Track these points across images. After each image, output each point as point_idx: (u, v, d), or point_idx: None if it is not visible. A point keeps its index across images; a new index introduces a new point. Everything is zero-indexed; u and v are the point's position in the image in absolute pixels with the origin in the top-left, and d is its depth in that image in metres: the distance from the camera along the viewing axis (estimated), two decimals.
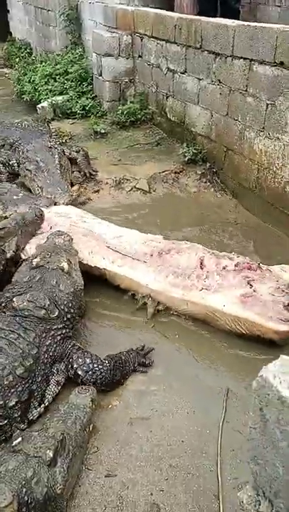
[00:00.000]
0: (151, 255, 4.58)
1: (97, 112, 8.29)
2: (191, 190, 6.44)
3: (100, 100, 8.46)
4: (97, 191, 6.44)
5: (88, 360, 3.44)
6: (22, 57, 12.37)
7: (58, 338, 3.49)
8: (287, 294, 4.07)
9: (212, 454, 3.07)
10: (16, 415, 3.07)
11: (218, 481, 2.89)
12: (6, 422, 2.99)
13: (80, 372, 3.40)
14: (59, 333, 3.51)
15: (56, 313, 3.54)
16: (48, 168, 5.99)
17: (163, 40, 7.09)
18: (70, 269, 3.94)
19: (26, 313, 3.44)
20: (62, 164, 6.16)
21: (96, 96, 8.63)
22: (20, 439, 2.69)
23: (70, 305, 3.67)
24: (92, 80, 8.80)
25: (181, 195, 6.40)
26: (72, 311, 3.68)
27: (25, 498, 2.32)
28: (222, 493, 2.82)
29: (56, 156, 6.20)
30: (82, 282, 4.06)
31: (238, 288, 4.12)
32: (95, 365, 3.43)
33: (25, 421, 3.15)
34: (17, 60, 12.33)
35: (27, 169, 6.11)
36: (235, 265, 4.39)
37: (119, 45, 7.92)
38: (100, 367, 3.43)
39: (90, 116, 8.26)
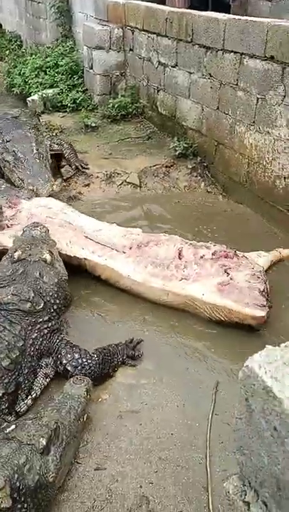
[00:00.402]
0: (130, 248, 4.63)
1: (88, 106, 8.25)
2: (182, 184, 6.44)
3: (91, 94, 8.41)
4: (88, 185, 6.41)
5: (77, 356, 3.43)
6: (12, 49, 12.23)
7: (45, 331, 3.49)
8: (263, 281, 4.21)
9: (201, 447, 3.09)
10: (4, 407, 3.08)
11: (207, 474, 2.91)
12: None
13: (69, 368, 3.39)
14: (45, 326, 3.51)
15: (41, 305, 3.55)
16: (26, 158, 5.86)
17: (154, 33, 7.05)
18: (52, 260, 3.96)
19: (11, 307, 3.43)
20: (41, 153, 6.02)
21: (87, 89, 8.57)
22: (13, 426, 2.71)
23: (56, 296, 3.69)
24: (82, 73, 8.74)
25: (172, 190, 6.40)
26: (57, 301, 3.69)
27: (17, 484, 2.33)
28: (211, 485, 2.84)
29: (34, 144, 6.03)
30: (66, 272, 4.08)
31: (215, 276, 4.24)
32: (84, 360, 3.42)
33: (12, 413, 3.15)
34: (7, 52, 12.19)
35: (5, 160, 5.99)
36: (213, 254, 4.52)
37: (110, 38, 7.88)
38: (89, 361, 3.42)
39: (80, 110, 8.21)
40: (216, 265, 4.37)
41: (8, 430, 2.65)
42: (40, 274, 3.73)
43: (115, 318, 4.21)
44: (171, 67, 6.84)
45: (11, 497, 2.27)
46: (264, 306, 3.98)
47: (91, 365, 3.42)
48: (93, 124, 7.59)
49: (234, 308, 3.96)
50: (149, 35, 7.21)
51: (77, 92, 8.48)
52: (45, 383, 3.44)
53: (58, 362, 3.43)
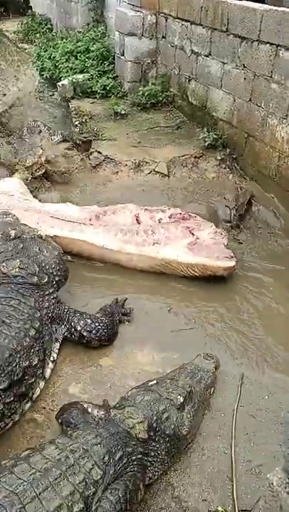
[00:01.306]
0: (90, 219, 4.94)
1: (118, 93, 8.23)
2: (210, 175, 6.42)
3: (121, 80, 8.39)
4: (116, 173, 6.45)
5: (89, 321, 3.70)
6: (42, 32, 12.21)
7: (53, 301, 3.70)
8: (224, 236, 4.84)
9: (226, 437, 3.15)
10: (39, 372, 3.31)
11: (232, 464, 2.98)
12: (33, 379, 3.23)
13: (85, 334, 3.66)
14: (52, 297, 3.72)
15: (46, 278, 3.72)
16: None
17: (188, 21, 6.98)
18: (46, 237, 4.13)
19: (21, 281, 3.60)
20: None
21: (117, 76, 8.55)
22: (155, 381, 3.07)
23: (57, 268, 3.87)
24: (113, 59, 8.71)
25: (200, 180, 6.38)
26: (59, 274, 3.87)
27: (154, 425, 2.74)
28: (236, 476, 2.91)
29: None
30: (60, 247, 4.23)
31: (183, 238, 4.69)
32: (97, 324, 3.69)
33: (43, 379, 3.36)
34: (37, 35, 12.18)
35: None
36: (169, 217, 4.99)
37: (143, 24, 7.82)
38: (101, 324, 3.71)
39: (110, 97, 8.21)
40: (180, 227, 4.82)
41: (150, 384, 3.05)
42: (39, 248, 3.89)
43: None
44: (204, 56, 6.78)
45: (148, 433, 2.69)
46: (232, 257, 4.55)
47: (103, 327, 3.70)
48: (123, 112, 7.58)
49: (208, 263, 4.45)
50: (183, 23, 7.14)
51: (108, 78, 8.47)
52: (58, 347, 3.66)
53: (73, 329, 3.66)
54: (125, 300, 4.20)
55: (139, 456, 2.63)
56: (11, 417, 3.09)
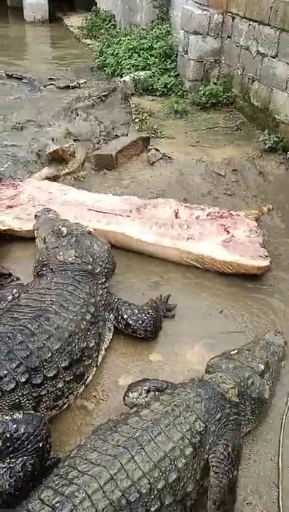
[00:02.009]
0: (131, 211, 5.08)
1: (178, 91, 8.24)
2: (269, 178, 6.32)
3: (183, 79, 8.38)
4: (174, 170, 6.46)
5: (136, 311, 3.81)
6: (106, 29, 12.37)
7: (105, 290, 3.88)
8: (260, 234, 4.86)
9: (274, 443, 3.12)
10: (94, 356, 3.45)
11: (279, 470, 2.95)
12: (90, 361, 3.37)
13: (131, 322, 3.77)
14: (104, 286, 3.90)
15: (99, 268, 3.90)
16: None
17: (256, 21, 6.89)
18: (94, 232, 4.27)
19: (76, 267, 3.79)
20: None
21: (178, 74, 8.55)
22: (236, 351, 3.29)
23: (107, 261, 4.01)
24: (176, 57, 8.72)
25: (258, 183, 6.30)
26: (108, 266, 4.02)
27: (242, 389, 2.97)
28: (282, 483, 2.88)
29: None
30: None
31: (217, 235, 4.80)
32: (143, 315, 3.80)
33: (96, 363, 3.50)
34: (101, 31, 12.35)
35: None
36: (207, 215, 5.06)
37: (209, 23, 7.77)
38: (147, 315, 3.82)
39: (170, 95, 8.23)
40: (216, 224, 4.91)
41: (232, 353, 3.26)
42: (90, 242, 4.05)
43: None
44: (271, 57, 6.67)
45: (238, 397, 2.92)
46: (267, 256, 4.58)
47: (149, 319, 3.81)
48: (182, 110, 7.58)
49: (242, 261, 4.51)
50: (251, 22, 7.05)
51: (169, 76, 8.49)
52: (110, 336, 3.79)
53: (120, 317, 3.80)
54: (169, 296, 4.28)
55: (235, 416, 2.87)
56: (68, 397, 3.22)
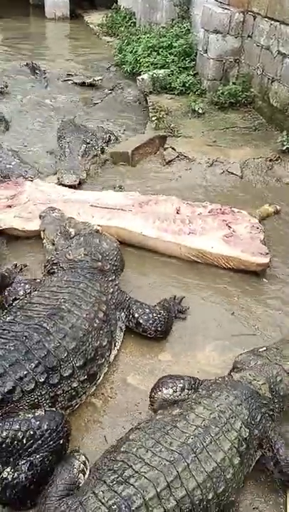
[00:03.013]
0: (133, 205, 5.13)
1: (197, 90, 8.19)
2: (286, 180, 6.25)
3: (201, 78, 8.33)
4: (189, 169, 6.43)
5: (147, 310, 3.79)
6: (126, 26, 12.34)
7: (116, 288, 3.84)
8: (262, 231, 4.85)
9: None
10: (107, 354, 3.43)
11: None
12: (102, 360, 3.36)
13: (141, 321, 3.74)
14: (115, 283, 3.87)
15: (108, 266, 3.88)
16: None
17: (278, 21, 6.80)
18: (101, 230, 4.25)
19: (86, 265, 3.77)
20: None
21: (197, 73, 8.50)
22: (265, 348, 3.29)
23: (115, 259, 3.99)
24: (195, 56, 8.66)
25: (275, 185, 6.24)
26: (117, 264, 3.99)
27: (272, 386, 2.97)
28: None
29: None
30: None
31: (219, 230, 4.79)
32: (154, 314, 3.76)
33: (108, 362, 3.48)
34: (121, 29, 12.33)
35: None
36: (209, 212, 5.09)
37: (230, 22, 7.71)
38: (159, 315, 3.78)
39: (188, 93, 8.18)
40: (217, 220, 4.93)
41: (259, 350, 3.26)
42: (99, 240, 4.03)
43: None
44: None
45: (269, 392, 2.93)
46: (267, 253, 4.55)
47: (161, 318, 3.78)
48: (200, 110, 7.53)
49: (243, 257, 4.51)
50: (272, 22, 6.96)
51: (188, 75, 8.43)
52: (121, 337, 3.75)
53: (131, 316, 3.77)
54: (182, 298, 4.23)
55: (271, 413, 2.91)
56: (81, 397, 3.21)
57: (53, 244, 4.20)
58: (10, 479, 2.60)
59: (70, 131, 6.92)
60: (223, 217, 5.04)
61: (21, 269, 4.44)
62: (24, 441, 2.60)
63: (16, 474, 2.60)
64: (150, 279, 4.54)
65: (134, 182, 6.17)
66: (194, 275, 4.63)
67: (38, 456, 2.63)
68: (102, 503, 2.22)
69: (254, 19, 7.47)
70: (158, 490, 2.26)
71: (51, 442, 2.65)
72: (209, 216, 5.04)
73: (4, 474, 2.60)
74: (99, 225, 4.50)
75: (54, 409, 2.89)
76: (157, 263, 4.75)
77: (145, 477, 2.30)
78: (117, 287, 3.87)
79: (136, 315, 3.77)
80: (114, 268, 3.96)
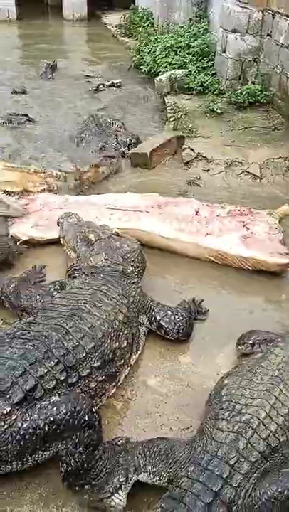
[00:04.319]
0: (152, 207, 5.16)
1: (215, 90, 8.14)
2: None
3: (220, 78, 8.28)
4: (208, 170, 6.42)
5: (169, 313, 3.79)
6: (143, 27, 12.36)
7: (138, 290, 3.84)
8: (280, 231, 4.84)
9: None
10: (127, 356, 3.44)
11: None
12: (121, 362, 3.37)
13: (163, 323, 3.75)
14: (137, 286, 3.89)
15: (130, 268, 3.91)
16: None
17: None
18: (121, 233, 4.26)
19: (108, 269, 3.81)
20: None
21: (215, 73, 8.46)
22: None
23: (137, 260, 4.00)
24: (213, 55, 8.63)
25: None
26: (139, 265, 4.01)
27: None
28: None
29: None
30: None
31: (236, 231, 4.81)
32: (176, 316, 3.78)
33: (128, 365, 3.49)
34: (139, 29, 12.34)
35: None
36: (228, 213, 5.11)
37: (249, 21, 7.66)
38: (181, 318, 3.79)
39: (206, 93, 8.14)
40: (235, 221, 4.95)
41: None
42: (120, 243, 4.06)
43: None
44: None
45: None
46: (287, 254, 4.53)
47: (182, 321, 3.79)
48: (218, 110, 7.50)
49: (261, 258, 4.50)
50: None
51: (206, 74, 8.39)
52: (144, 340, 3.75)
53: (153, 318, 3.78)
54: (202, 300, 4.21)
55: None
56: (101, 397, 3.23)
57: (75, 251, 4.24)
58: (65, 469, 2.71)
59: (91, 132, 7.02)
60: (241, 218, 5.04)
61: (41, 269, 4.48)
62: (47, 428, 2.64)
63: (65, 464, 2.70)
64: (168, 280, 4.54)
65: (153, 183, 6.18)
66: (213, 276, 4.61)
67: (71, 439, 2.68)
68: (229, 432, 2.63)
69: (273, 17, 7.41)
70: (266, 411, 2.70)
71: (76, 422, 2.68)
72: (227, 217, 5.04)
73: (60, 468, 2.72)
74: (118, 228, 4.53)
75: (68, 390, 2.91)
76: (176, 264, 4.74)
77: (252, 405, 2.74)
78: (139, 290, 3.88)
79: (158, 317, 3.77)
80: (137, 270, 3.98)
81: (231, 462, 2.50)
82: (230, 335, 3.87)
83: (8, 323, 3.87)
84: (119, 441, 2.98)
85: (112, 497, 2.61)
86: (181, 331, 3.78)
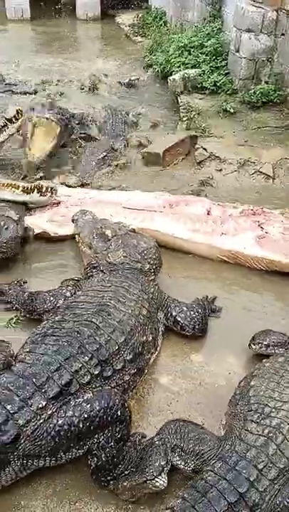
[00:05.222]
0: (164, 206, 5.16)
1: (228, 89, 8.10)
2: None
3: (233, 77, 8.25)
4: (220, 170, 6.42)
5: (185, 308, 3.85)
6: (157, 26, 12.34)
7: (156, 287, 3.91)
8: None
9: None
10: (152, 350, 3.52)
11: None
12: (149, 355, 3.44)
13: (179, 319, 3.80)
14: (154, 283, 3.97)
15: (148, 265, 3.96)
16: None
17: None
18: (138, 230, 4.29)
19: (126, 266, 3.85)
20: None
21: (229, 72, 8.43)
22: None
23: (154, 257, 4.06)
24: (227, 55, 8.60)
25: None
26: (156, 262, 4.07)
27: None
28: None
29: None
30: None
31: (251, 231, 4.77)
32: (192, 312, 3.82)
33: (152, 358, 3.54)
34: (152, 29, 12.33)
35: None
36: (240, 212, 5.08)
37: (263, 21, 7.62)
38: (196, 313, 3.85)
39: (219, 93, 8.12)
40: (249, 221, 4.91)
41: None
42: (137, 241, 4.10)
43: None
44: None
45: None
46: None
47: (198, 316, 3.84)
48: (231, 110, 7.49)
49: (275, 258, 4.48)
50: None
51: (219, 74, 8.36)
52: (162, 336, 3.78)
53: (169, 314, 3.83)
54: (215, 298, 4.27)
55: None
56: (133, 390, 3.30)
57: (90, 247, 4.27)
58: (95, 464, 2.76)
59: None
60: (255, 218, 5.03)
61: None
62: (81, 425, 2.68)
63: (96, 458, 2.75)
64: (182, 278, 4.56)
65: (164, 182, 6.20)
66: (226, 276, 4.63)
67: (104, 435, 2.73)
68: (259, 435, 2.63)
69: (287, 17, 7.37)
70: None
71: (109, 418, 2.72)
72: (241, 217, 5.03)
73: (90, 463, 2.77)
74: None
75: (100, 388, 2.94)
76: (187, 262, 4.77)
77: (282, 409, 2.74)
78: (157, 287, 3.94)
79: (174, 313, 3.82)
80: (154, 267, 4.04)
81: (260, 466, 2.50)
82: (242, 334, 3.88)
83: (22, 323, 3.94)
84: (136, 437, 3.02)
85: (156, 479, 2.67)
86: (197, 327, 3.82)
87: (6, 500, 2.74)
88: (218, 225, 4.90)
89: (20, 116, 6.03)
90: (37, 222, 5.00)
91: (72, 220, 4.72)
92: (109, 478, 2.78)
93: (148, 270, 3.96)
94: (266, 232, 4.81)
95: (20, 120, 6.03)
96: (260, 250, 4.58)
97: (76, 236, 4.57)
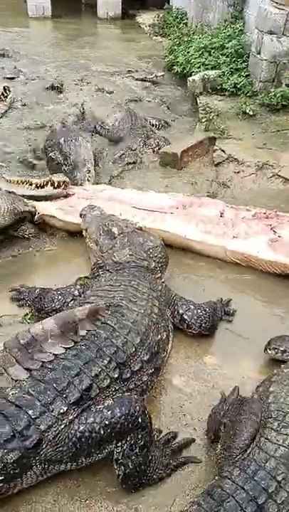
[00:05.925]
0: (177, 208, 5.12)
1: (248, 92, 8.06)
2: None
3: (253, 79, 8.21)
4: (238, 172, 6.38)
5: (192, 306, 3.83)
6: (177, 27, 12.32)
7: (163, 285, 3.91)
8: None
9: None
10: (167, 347, 3.52)
11: None
12: (164, 354, 3.43)
13: (186, 317, 3.78)
14: (161, 281, 3.95)
15: (154, 264, 3.96)
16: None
17: None
18: (144, 228, 4.27)
19: (133, 265, 3.83)
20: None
21: (249, 74, 8.38)
22: None
23: (160, 255, 4.05)
24: (248, 57, 8.55)
25: None
26: (162, 260, 4.05)
27: None
28: None
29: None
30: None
31: (263, 234, 4.73)
32: (199, 311, 3.79)
33: (163, 361, 3.51)
34: (172, 29, 12.31)
35: None
36: (253, 215, 5.04)
37: (285, 23, 7.56)
38: (204, 312, 3.82)
39: (239, 95, 8.08)
40: (261, 224, 4.87)
41: None
42: (143, 239, 4.09)
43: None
44: None
45: None
46: None
47: (205, 315, 3.80)
48: (251, 112, 7.44)
49: (288, 262, 4.41)
50: None
51: (239, 76, 8.32)
52: (173, 334, 3.75)
53: (175, 312, 3.81)
54: (229, 301, 4.24)
55: None
56: (150, 390, 3.29)
57: (97, 244, 4.26)
58: (123, 472, 2.75)
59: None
60: (268, 221, 4.98)
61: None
62: (102, 432, 2.67)
63: (123, 467, 2.74)
64: (194, 280, 4.55)
65: (181, 183, 6.19)
66: (239, 279, 4.60)
67: (126, 442, 2.72)
68: (279, 445, 2.58)
69: None
70: None
71: (130, 425, 2.70)
72: (253, 220, 5.00)
73: (117, 472, 2.76)
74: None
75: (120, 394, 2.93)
76: (199, 265, 4.76)
77: None
78: (164, 284, 3.94)
79: (180, 311, 3.80)
80: (160, 265, 4.03)
81: (279, 478, 2.45)
82: (256, 338, 3.86)
83: (32, 319, 3.97)
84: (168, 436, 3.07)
85: None
86: (203, 325, 3.79)
87: (17, 496, 2.75)
88: (230, 227, 4.87)
89: (8, 93, 6.08)
90: (46, 206, 5.10)
91: (81, 215, 4.69)
92: (140, 482, 2.79)
93: (154, 268, 3.95)
94: (279, 236, 4.75)
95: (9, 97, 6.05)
96: (273, 254, 4.54)
97: (83, 231, 4.56)
